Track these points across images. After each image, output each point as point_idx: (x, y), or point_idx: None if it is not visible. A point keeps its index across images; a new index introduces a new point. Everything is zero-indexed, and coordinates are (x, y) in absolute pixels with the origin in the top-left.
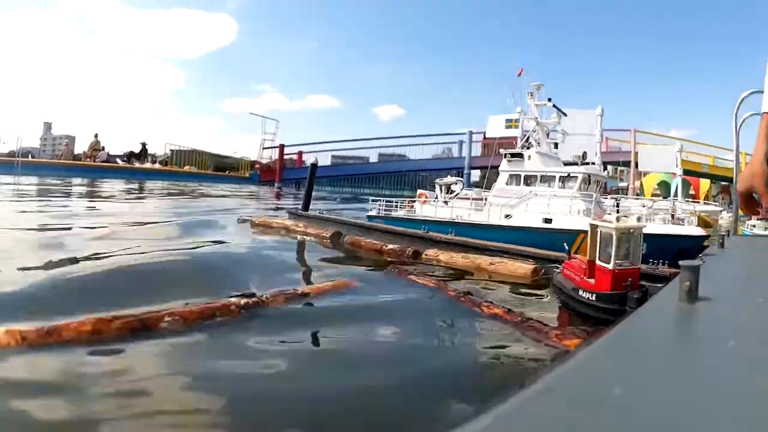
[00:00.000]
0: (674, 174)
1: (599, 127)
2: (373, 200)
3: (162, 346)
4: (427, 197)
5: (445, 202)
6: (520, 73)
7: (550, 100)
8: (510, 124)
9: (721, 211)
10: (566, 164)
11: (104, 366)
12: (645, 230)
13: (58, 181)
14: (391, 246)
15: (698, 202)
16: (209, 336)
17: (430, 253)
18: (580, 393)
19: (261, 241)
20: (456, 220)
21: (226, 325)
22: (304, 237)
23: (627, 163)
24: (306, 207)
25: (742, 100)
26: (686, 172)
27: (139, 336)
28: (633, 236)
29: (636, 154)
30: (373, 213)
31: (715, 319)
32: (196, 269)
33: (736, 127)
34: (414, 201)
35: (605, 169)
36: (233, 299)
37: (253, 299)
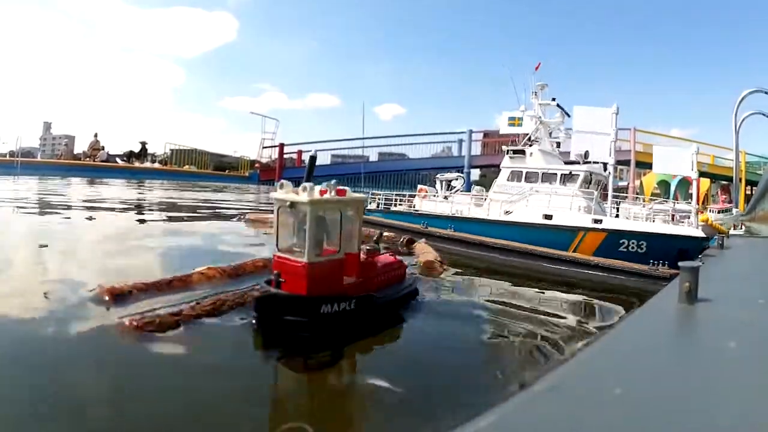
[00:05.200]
0: (688, 177)
1: (614, 126)
2: (372, 193)
3: None
4: (427, 192)
5: (446, 198)
6: (537, 67)
7: (554, 99)
8: (513, 122)
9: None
10: (569, 163)
11: None
12: (645, 229)
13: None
14: (386, 234)
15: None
16: None
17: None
18: (581, 393)
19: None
20: (456, 215)
21: None
22: None
23: (626, 162)
24: None
25: (742, 99)
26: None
27: None
28: (334, 214)
29: (637, 153)
30: (373, 206)
31: (715, 321)
32: None
33: (735, 126)
34: (414, 194)
35: (605, 168)
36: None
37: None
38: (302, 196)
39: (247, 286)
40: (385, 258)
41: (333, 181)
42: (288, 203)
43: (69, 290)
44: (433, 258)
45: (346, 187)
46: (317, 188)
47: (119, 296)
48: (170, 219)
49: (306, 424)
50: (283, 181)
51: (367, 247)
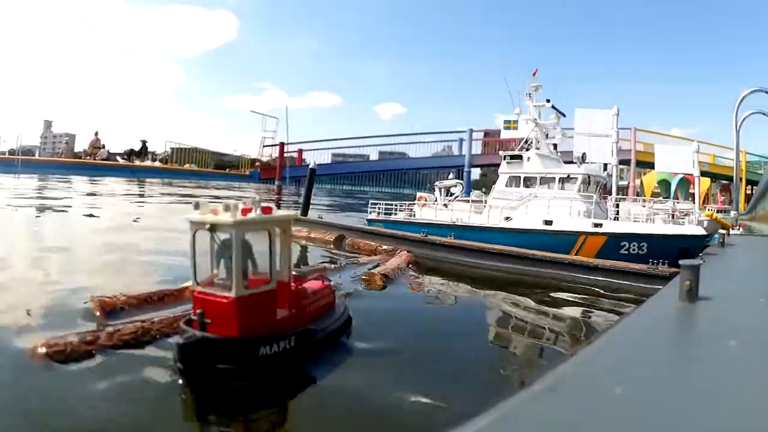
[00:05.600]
0: (689, 175)
1: (615, 127)
2: (372, 203)
3: None
4: (426, 200)
5: (445, 205)
6: (534, 73)
7: (548, 101)
8: (508, 125)
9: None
10: (568, 163)
11: None
12: (645, 231)
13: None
14: (385, 246)
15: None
16: None
17: None
18: (581, 392)
19: None
20: (456, 223)
21: None
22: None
23: (627, 162)
24: (305, 211)
25: (743, 99)
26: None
27: None
28: (261, 236)
29: (637, 152)
30: (373, 216)
31: (715, 319)
32: None
33: (736, 125)
34: (413, 203)
35: (605, 169)
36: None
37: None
38: (224, 217)
39: (177, 312)
40: (313, 284)
41: (257, 197)
42: (207, 226)
43: (62, 302)
44: (376, 271)
45: (270, 204)
46: (239, 205)
47: (110, 311)
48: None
49: None
50: (198, 200)
51: (294, 273)
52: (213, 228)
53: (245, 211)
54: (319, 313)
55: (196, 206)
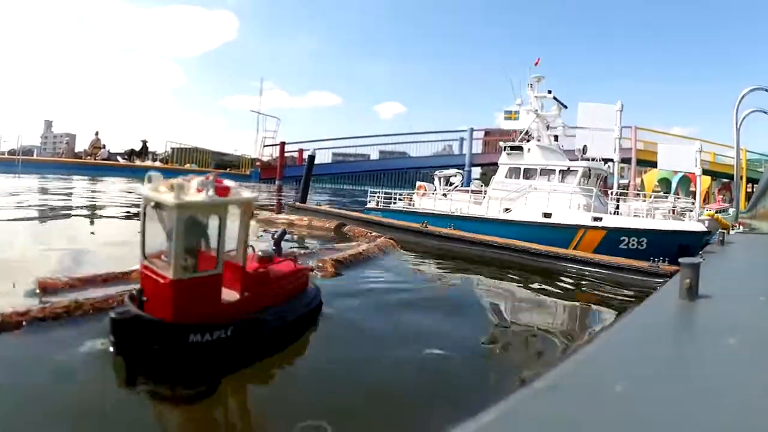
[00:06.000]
0: (691, 174)
1: (618, 123)
2: (371, 192)
3: None
4: (426, 189)
5: (445, 195)
6: (537, 63)
7: (550, 92)
8: (509, 116)
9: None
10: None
11: None
12: (645, 226)
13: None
14: (374, 234)
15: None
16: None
17: None
18: (582, 390)
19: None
20: (455, 214)
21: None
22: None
23: (628, 160)
24: (303, 199)
25: (743, 97)
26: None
27: None
28: (212, 219)
29: (638, 151)
30: (372, 205)
31: (715, 317)
32: None
33: (736, 123)
34: (413, 192)
35: (605, 164)
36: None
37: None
38: (167, 197)
39: (116, 291)
40: (283, 266)
41: (211, 176)
42: (152, 203)
43: (11, 281)
44: (327, 258)
45: (230, 182)
46: (193, 183)
47: (50, 290)
48: None
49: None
50: (152, 173)
51: (260, 253)
52: (158, 206)
53: (199, 191)
54: (285, 297)
55: (149, 180)
